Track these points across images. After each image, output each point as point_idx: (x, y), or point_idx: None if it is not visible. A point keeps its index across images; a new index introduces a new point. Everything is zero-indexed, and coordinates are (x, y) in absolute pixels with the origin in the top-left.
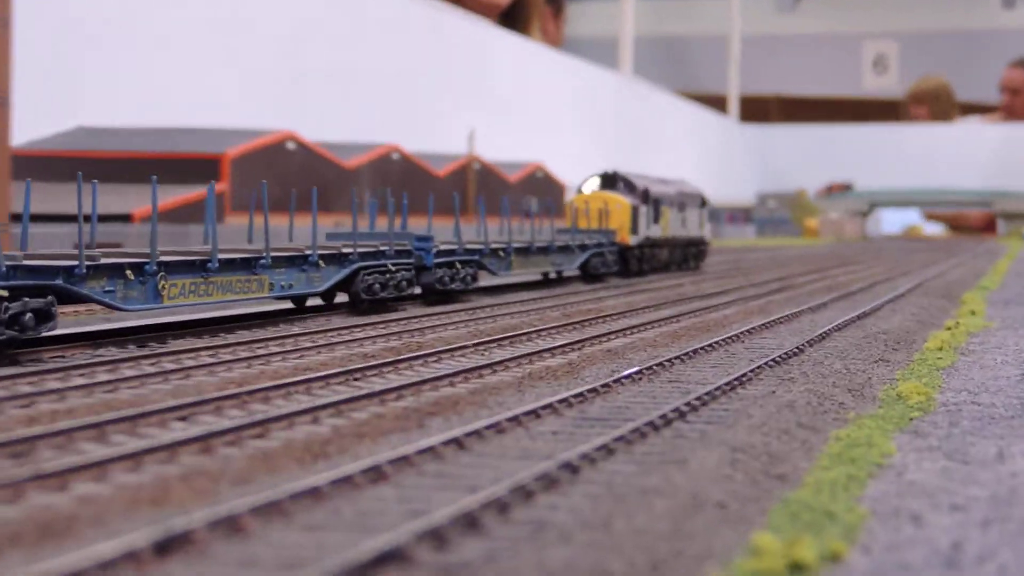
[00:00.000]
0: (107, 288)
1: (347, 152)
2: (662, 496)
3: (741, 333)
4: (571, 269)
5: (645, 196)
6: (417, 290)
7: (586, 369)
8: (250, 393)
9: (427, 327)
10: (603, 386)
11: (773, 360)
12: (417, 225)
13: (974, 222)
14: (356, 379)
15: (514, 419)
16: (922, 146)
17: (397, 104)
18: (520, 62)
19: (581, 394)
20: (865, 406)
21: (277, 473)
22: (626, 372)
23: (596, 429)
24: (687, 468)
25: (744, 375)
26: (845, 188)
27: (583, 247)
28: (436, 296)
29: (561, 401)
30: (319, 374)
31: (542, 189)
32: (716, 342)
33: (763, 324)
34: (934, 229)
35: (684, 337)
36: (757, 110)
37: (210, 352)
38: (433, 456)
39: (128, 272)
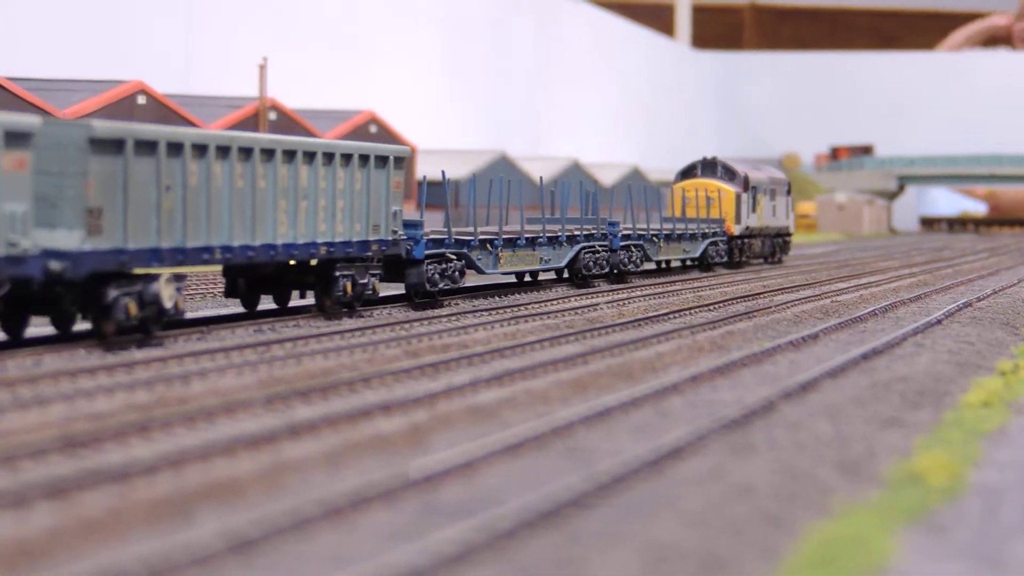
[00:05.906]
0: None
1: None
2: None
3: (680, 382)
4: (693, 257)
5: (745, 183)
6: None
7: (436, 435)
8: None
9: (194, 372)
10: (464, 464)
11: (726, 422)
12: None
13: None
14: (83, 448)
15: (326, 510)
16: (1001, 88)
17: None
18: None
19: (431, 475)
20: (861, 489)
21: None
22: None
23: (449, 527)
24: None
25: (679, 445)
26: (863, 151)
27: (704, 235)
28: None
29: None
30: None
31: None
32: (638, 398)
33: (716, 367)
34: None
35: (591, 387)
36: (721, 29)
37: None
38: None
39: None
